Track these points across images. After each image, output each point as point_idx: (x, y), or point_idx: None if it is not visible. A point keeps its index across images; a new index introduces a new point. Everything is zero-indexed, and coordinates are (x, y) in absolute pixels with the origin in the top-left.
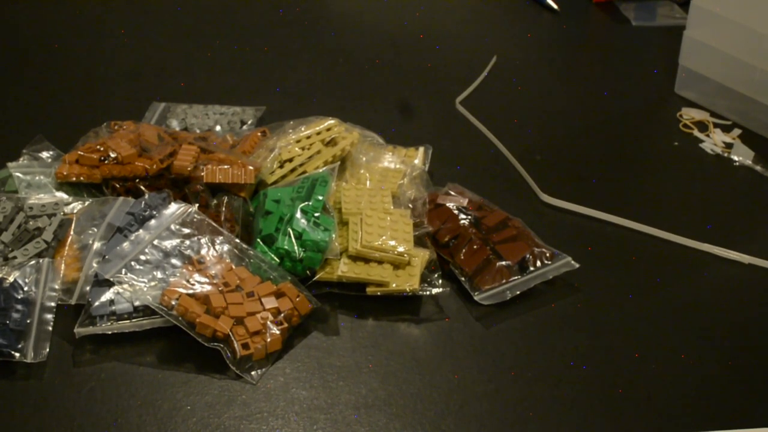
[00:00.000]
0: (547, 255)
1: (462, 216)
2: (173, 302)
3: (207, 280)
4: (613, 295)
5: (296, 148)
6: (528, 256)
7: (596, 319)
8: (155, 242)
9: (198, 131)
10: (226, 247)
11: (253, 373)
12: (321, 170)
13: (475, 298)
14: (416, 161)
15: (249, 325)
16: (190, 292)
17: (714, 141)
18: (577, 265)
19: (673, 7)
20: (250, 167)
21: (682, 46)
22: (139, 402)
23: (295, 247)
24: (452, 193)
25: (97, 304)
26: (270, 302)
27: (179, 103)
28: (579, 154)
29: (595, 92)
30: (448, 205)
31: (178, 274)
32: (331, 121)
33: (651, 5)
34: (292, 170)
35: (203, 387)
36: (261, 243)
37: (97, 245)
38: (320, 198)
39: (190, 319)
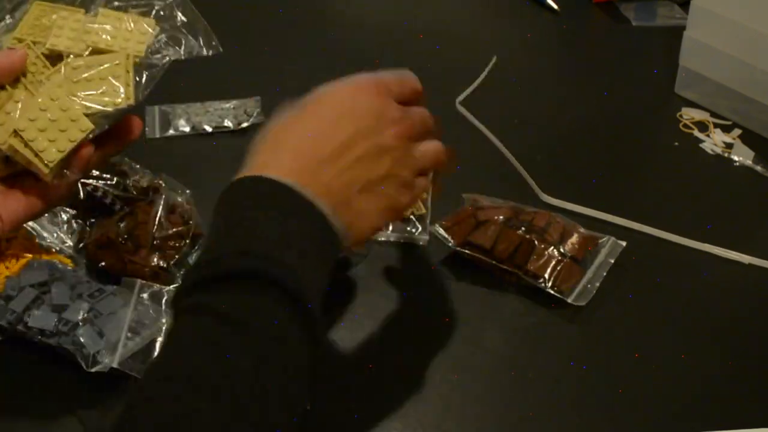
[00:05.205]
0: (597, 241)
1: (511, 224)
2: None
3: None
4: (613, 295)
5: None
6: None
7: (596, 319)
8: None
9: (208, 129)
10: None
11: None
12: None
13: (569, 300)
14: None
15: None
16: None
17: (714, 141)
18: (624, 243)
19: (673, 7)
20: None
21: (682, 46)
22: None
23: None
24: (486, 203)
25: None
26: None
27: (177, 104)
28: (579, 154)
29: (595, 92)
30: (496, 218)
31: None
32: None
33: (651, 5)
34: None
35: None
36: None
37: None
38: None
39: None
